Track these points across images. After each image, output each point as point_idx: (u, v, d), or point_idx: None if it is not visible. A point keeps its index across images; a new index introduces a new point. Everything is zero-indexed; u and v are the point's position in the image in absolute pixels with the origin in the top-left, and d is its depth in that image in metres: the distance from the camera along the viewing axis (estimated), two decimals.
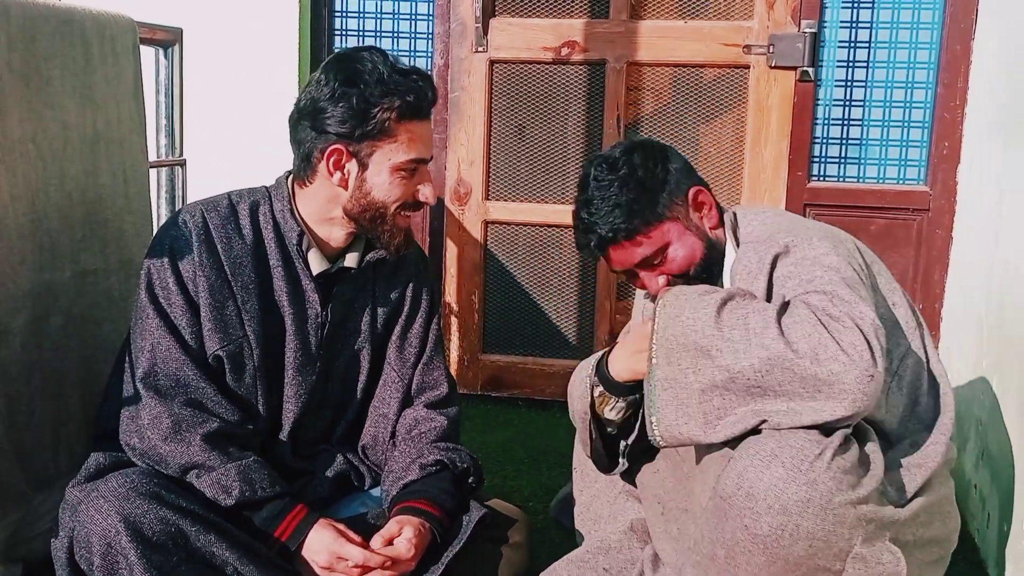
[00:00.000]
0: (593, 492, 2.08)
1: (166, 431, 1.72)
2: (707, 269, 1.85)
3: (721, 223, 1.90)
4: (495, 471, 2.79)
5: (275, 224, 1.87)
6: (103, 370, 1.89)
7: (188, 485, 1.71)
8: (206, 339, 1.79)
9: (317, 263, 1.87)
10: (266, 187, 1.92)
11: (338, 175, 1.81)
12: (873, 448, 1.57)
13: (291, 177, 1.90)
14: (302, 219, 1.87)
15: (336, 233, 1.88)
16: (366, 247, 1.92)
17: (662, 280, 1.86)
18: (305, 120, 1.81)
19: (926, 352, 1.75)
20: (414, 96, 1.79)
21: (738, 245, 1.84)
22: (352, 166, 1.81)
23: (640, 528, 1.92)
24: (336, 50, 3.40)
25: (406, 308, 2.00)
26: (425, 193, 1.87)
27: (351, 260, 1.90)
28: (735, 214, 1.90)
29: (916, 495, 1.63)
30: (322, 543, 1.72)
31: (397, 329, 1.98)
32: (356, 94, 1.76)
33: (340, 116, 1.77)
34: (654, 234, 1.84)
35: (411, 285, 2.00)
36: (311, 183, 1.85)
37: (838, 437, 1.51)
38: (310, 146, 1.81)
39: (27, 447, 1.98)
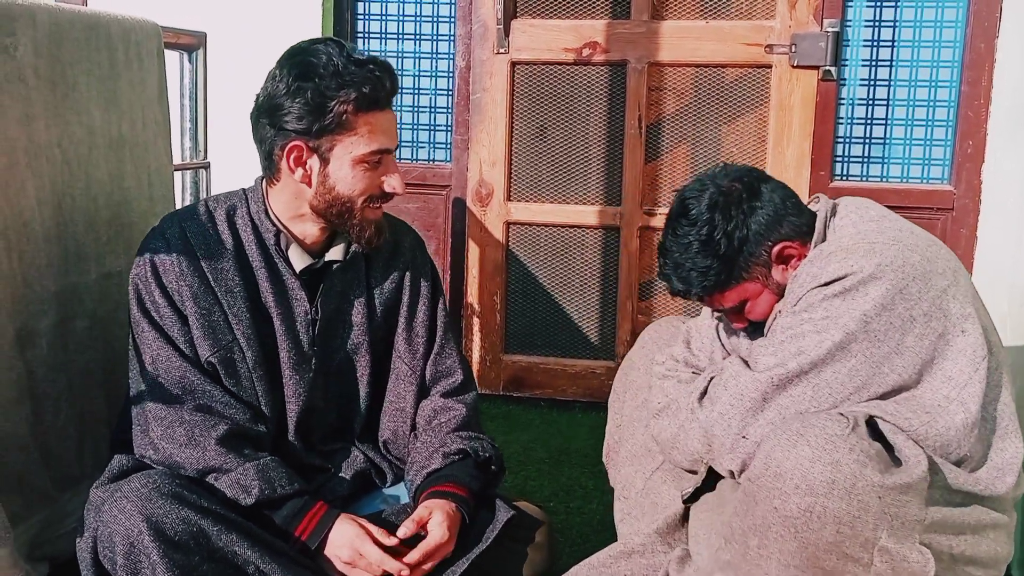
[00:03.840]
0: (623, 484, 2.06)
1: (180, 439, 1.73)
2: None
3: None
4: (516, 471, 2.79)
5: (253, 226, 1.86)
6: (128, 371, 1.91)
7: (209, 485, 1.72)
8: (198, 347, 1.79)
9: (299, 260, 1.86)
10: (243, 189, 1.91)
11: (300, 172, 1.79)
12: (918, 458, 1.55)
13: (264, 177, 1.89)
14: (277, 218, 1.86)
15: (310, 229, 1.86)
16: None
17: (740, 323, 1.89)
18: (264, 118, 1.79)
19: (989, 387, 1.65)
20: (370, 87, 1.75)
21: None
22: (314, 162, 1.78)
23: (666, 531, 1.91)
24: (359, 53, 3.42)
25: (406, 298, 1.98)
26: (392, 184, 1.83)
27: (336, 253, 1.89)
28: (826, 221, 1.82)
29: (960, 507, 1.63)
30: (345, 538, 1.73)
31: (401, 321, 1.97)
32: (311, 88, 1.73)
33: (297, 112, 1.74)
34: (729, 294, 1.83)
35: (408, 273, 1.99)
36: (278, 181, 1.83)
37: (861, 418, 1.54)
38: (270, 144, 1.79)
39: (53, 447, 2.00)
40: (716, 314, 1.96)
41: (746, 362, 1.76)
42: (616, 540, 1.95)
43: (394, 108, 1.83)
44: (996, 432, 1.67)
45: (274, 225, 1.85)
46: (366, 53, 1.80)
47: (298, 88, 1.74)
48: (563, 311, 3.38)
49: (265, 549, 1.67)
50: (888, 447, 1.57)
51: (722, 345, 1.94)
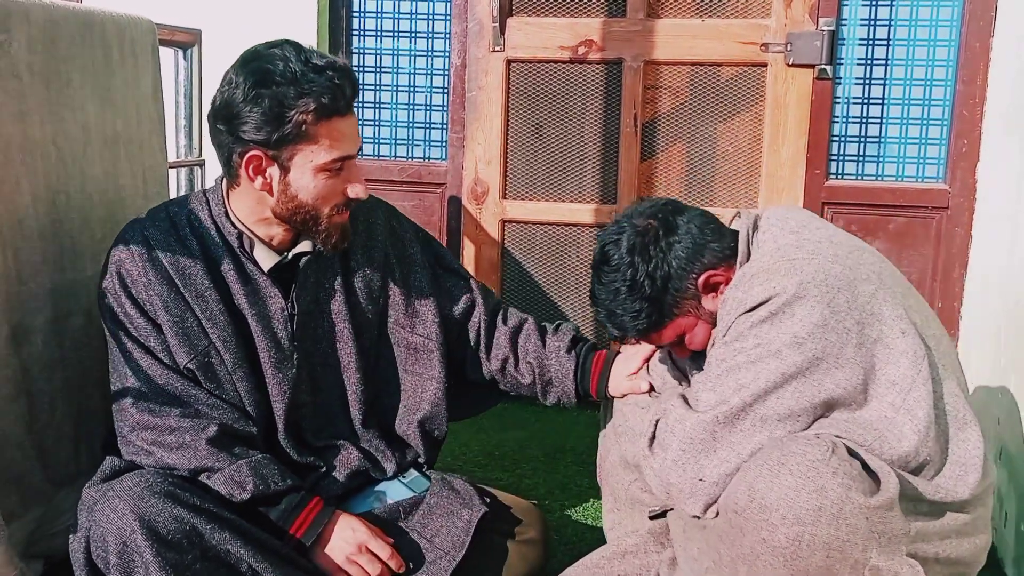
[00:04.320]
0: (613, 496, 2.07)
1: (171, 444, 1.73)
2: None
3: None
4: (511, 469, 2.80)
5: (217, 228, 1.84)
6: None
7: (202, 484, 1.73)
8: (175, 354, 1.78)
9: (266, 258, 1.84)
10: (204, 190, 1.89)
11: (260, 180, 1.76)
12: (886, 470, 1.55)
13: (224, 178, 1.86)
14: (239, 220, 1.83)
15: (275, 231, 1.84)
16: None
17: (685, 353, 1.89)
18: (220, 124, 1.75)
19: (934, 382, 1.64)
20: (330, 96, 1.70)
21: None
22: (274, 171, 1.75)
23: (659, 531, 1.91)
24: (354, 51, 3.42)
25: (398, 273, 1.97)
26: (356, 191, 1.80)
27: (305, 246, 1.86)
28: (748, 239, 1.80)
29: (941, 518, 1.62)
30: (356, 533, 1.77)
31: (398, 298, 1.97)
32: (268, 96, 1.69)
33: (255, 122, 1.70)
34: (665, 332, 1.82)
35: (392, 249, 1.99)
36: (238, 186, 1.81)
37: (829, 440, 1.53)
38: (228, 151, 1.76)
39: (49, 445, 2.00)
40: None
41: (686, 399, 1.71)
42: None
43: (355, 110, 1.80)
44: (953, 424, 1.65)
45: (235, 228, 1.83)
46: (326, 56, 1.75)
47: (256, 96, 1.69)
48: (559, 309, 3.38)
49: (258, 547, 1.68)
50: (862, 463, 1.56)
51: (674, 363, 1.95)
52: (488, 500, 1.90)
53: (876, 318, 1.62)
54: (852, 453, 1.55)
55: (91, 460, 2.05)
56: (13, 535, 1.82)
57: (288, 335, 1.87)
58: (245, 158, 1.74)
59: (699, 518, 1.66)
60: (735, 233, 1.81)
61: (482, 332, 2.04)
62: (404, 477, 1.97)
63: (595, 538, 2.22)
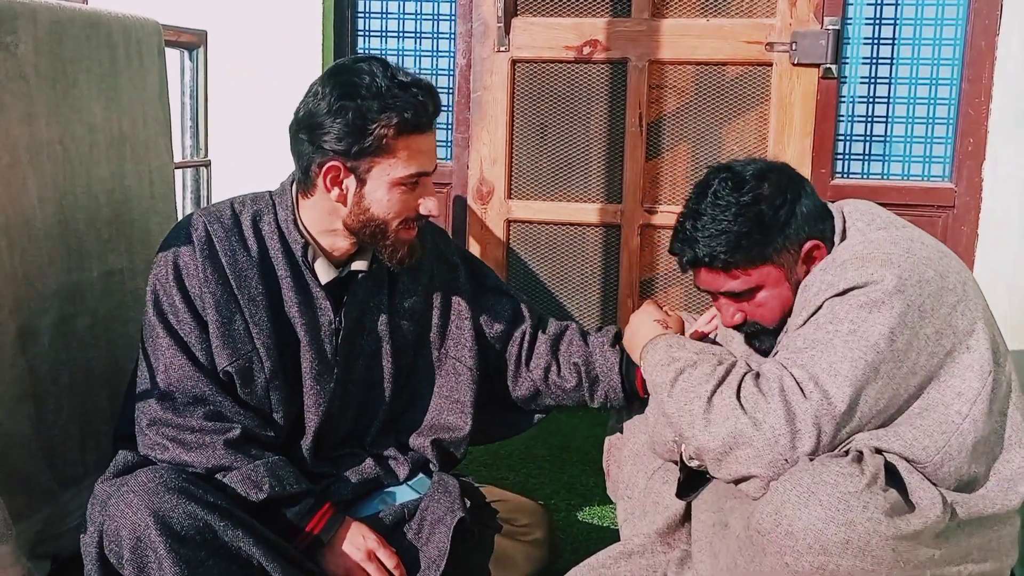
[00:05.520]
0: (629, 483, 2.06)
1: (190, 443, 1.73)
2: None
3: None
4: (517, 469, 2.80)
5: (280, 234, 1.84)
6: (130, 369, 1.91)
7: (216, 481, 1.73)
8: (215, 356, 1.78)
9: (325, 271, 1.85)
10: (270, 193, 1.89)
11: (336, 191, 1.77)
12: (929, 496, 1.54)
13: (294, 185, 1.87)
14: (306, 229, 1.84)
15: (340, 243, 1.85)
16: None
17: (738, 317, 1.79)
18: (303, 134, 1.77)
19: (994, 400, 1.62)
20: (413, 112, 1.73)
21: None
22: (350, 182, 1.77)
23: (666, 531, 1.90)
24: (359, 52, 3.43)
25: (439, 298, 1.98)
26: (428, 207, 1.82)
27: (360, 264, 1.88)
28: (843, 231, 1.76)
29: (969, 533, 1.61)
30: (369, 540, 1.78)
31: (438, 320, 1.98)
32: (353, 109, 1.71)
33: (337, 132, 1.72)
34: (753, 273, 1.74)
35: (436, 271, 1.99)
36: (311, 195, 1.82)
37: (871, 468, 1.51)
38: (308, 160, 1.78)
39: (55, 445, 2.00)
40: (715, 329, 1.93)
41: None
42: (618, 539, 1.96)
43: (435, 129, 1.83)
44: (1002, 444, 1.64)
45: (303, 236, 1.84)
46: (412, 73, 1.78)
47: (340, 108, 1.72)
48: (564, 309, 3.38)
49: (269, 547, 1.68)
50: (903, 485, 1.55)
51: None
52: (468, 503, 1.89)
53: (952, 330, 1.61)
54: (894, 475, 1.54)
55: (97, 460, 2.05)
56: (20, 535, 1.82)
57: (332, 349, 1.87)
58: (324, 168, 1.76)
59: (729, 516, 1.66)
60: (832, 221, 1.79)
61: (524, 345, 2.04)
62: (410, 480, 1.98)
63: (601, 538, 2.22)
